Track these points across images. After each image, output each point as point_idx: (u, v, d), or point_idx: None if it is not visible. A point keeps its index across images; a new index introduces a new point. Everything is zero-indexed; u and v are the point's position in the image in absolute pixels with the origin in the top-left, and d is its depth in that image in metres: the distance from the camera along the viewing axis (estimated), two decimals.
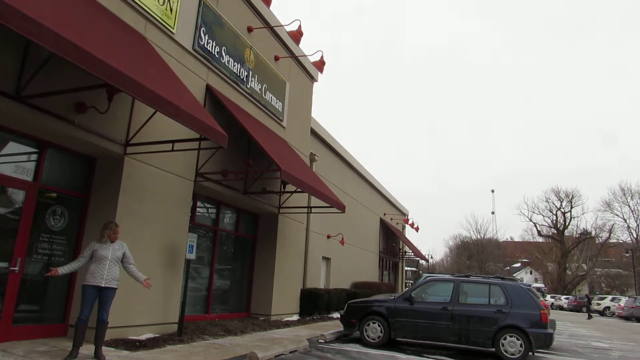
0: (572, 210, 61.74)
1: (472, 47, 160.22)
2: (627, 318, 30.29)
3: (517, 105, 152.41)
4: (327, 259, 19.26)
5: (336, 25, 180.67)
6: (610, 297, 40.02)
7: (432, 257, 76.96)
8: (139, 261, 7.75)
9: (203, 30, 9.61)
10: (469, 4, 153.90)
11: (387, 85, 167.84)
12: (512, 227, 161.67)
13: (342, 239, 19.47)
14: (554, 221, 63.13)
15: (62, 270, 6.07)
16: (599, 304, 38.00)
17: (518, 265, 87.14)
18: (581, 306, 41.69)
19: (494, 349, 9.35)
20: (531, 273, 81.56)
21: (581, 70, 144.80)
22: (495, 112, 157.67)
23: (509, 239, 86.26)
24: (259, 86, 11.97)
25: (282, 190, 12.40)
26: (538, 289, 42.08)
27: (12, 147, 6.82)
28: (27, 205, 6.79)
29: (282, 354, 8.13)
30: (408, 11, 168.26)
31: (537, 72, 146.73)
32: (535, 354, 9.62)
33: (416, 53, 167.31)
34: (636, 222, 56.65)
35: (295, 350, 8.60)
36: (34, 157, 7.02)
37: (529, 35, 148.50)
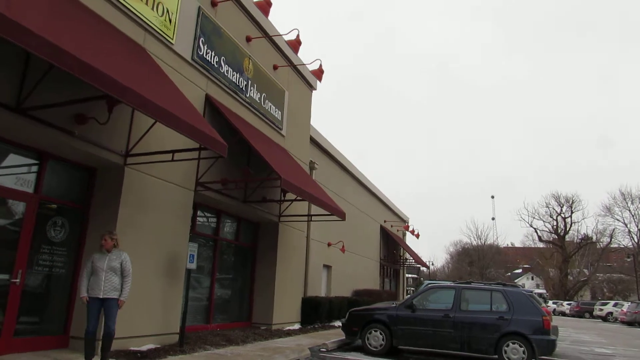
0: (573, 215, 61.85)
1: (471, 50, 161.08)
2: (630, 323, 30.13)
3: (516, 107, 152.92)
4: (328, 267, 19.22)
5: (329, 27, 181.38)
6: (612, 302, 39.84)
7: (433, 264, 76.93)
8: (140, 271, 7.76)
9: (202, 41, 9.67)
10: (464, 6, 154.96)
11: (384, 88, 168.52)
12: (513, 232, 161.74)
13: (343, 246, 19.43)
14: (555, 226, 63.16)
15: (83, 290, 6.19)
16: (601, 310, 37.82)
17: (519, 271, 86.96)
18: (583, 312, 41.64)
19: (496, 356, 9.30)
20: (532, 279, 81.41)
21: (579, 73, 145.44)
22: (494, 114, 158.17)
23: (510, 245, 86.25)
24: (258, 95, 12.02)
25: (282, 198, 12.40)
26: (540, 294, 41.89)
27: (13, 158, 6.83)
28: (27, 216, 6.79)
29: None
30: (405, 11, 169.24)
31: (536, 73, 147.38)
32: None
33: (413, 55, 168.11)
34: (637, 226, 56.82)
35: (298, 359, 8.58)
36: (34, 168, 7.03)
37: (527, 36, 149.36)
